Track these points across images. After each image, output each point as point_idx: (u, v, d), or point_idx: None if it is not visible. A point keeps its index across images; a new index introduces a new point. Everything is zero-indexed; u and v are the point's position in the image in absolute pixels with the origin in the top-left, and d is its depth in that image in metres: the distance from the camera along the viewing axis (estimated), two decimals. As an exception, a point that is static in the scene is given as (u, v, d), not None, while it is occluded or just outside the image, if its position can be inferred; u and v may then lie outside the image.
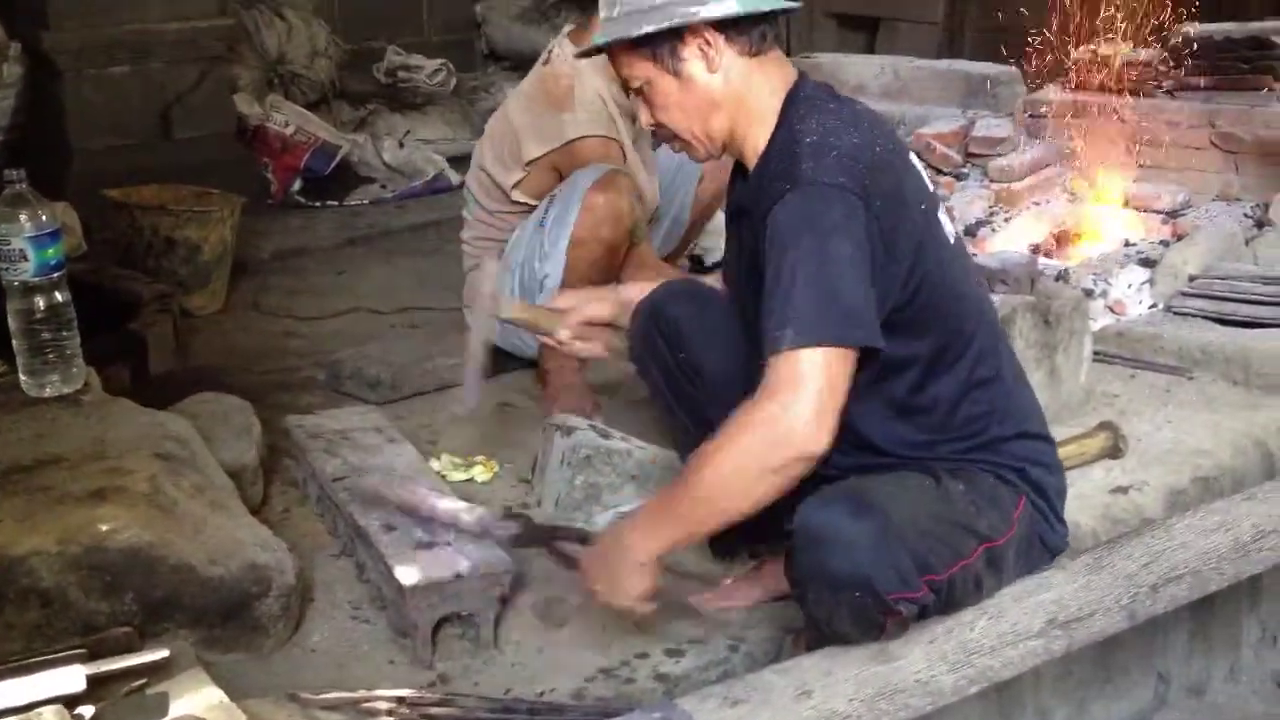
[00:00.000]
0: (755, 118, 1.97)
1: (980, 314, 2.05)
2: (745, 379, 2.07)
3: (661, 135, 2.08)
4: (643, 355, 2.29)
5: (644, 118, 2.04)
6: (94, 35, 4.83)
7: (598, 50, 2.02)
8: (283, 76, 5.62)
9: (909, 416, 2.01)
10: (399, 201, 5.28)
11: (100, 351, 2.65)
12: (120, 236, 3.91)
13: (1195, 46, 4.04)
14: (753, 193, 1.98)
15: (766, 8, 1.95)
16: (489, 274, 2.39)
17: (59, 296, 2.37)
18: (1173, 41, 4.11)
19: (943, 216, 2.02)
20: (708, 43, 1.93)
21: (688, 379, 2.24)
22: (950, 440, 2.01)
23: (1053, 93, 4.35)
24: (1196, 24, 4.17)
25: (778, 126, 1.96)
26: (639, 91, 2.01)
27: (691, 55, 1.94)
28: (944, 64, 5.10)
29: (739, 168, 2.09)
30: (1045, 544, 2.09)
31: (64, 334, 2.39)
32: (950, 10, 6.44)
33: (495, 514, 2.23)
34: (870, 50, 6.35)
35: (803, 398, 1.77)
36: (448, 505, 2.23)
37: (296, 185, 5.19)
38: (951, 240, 2.03)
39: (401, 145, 5.51)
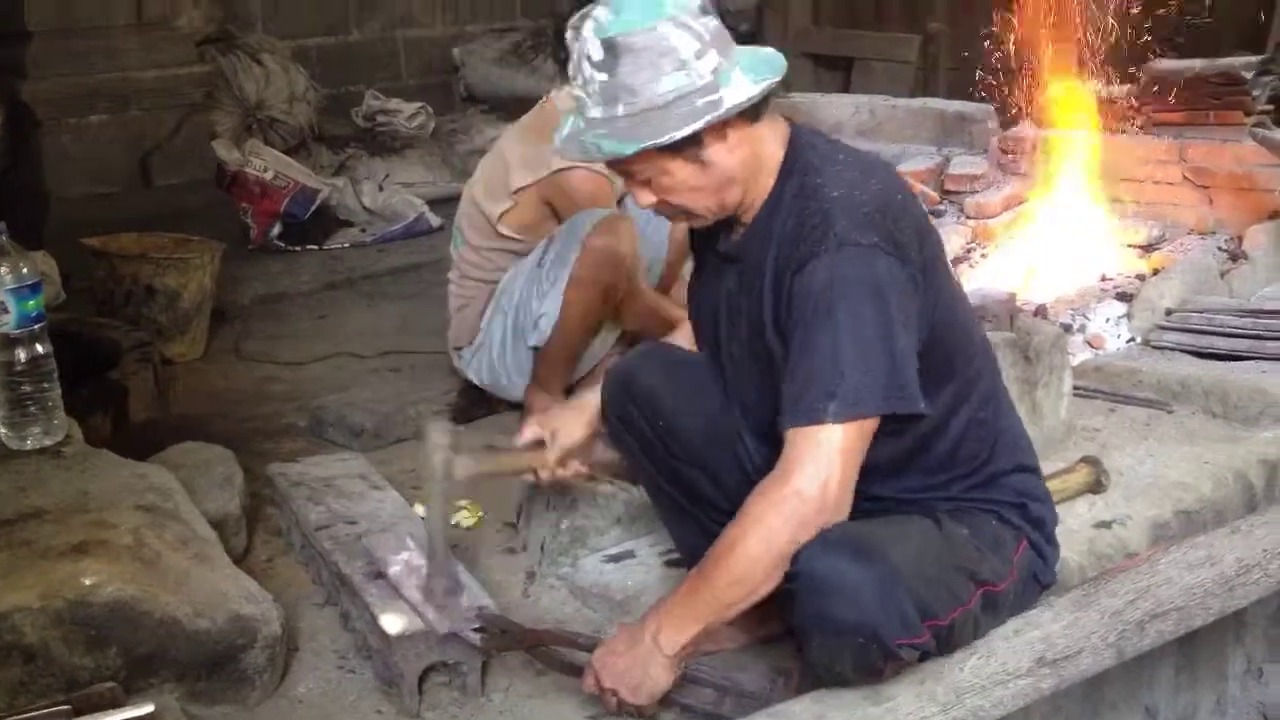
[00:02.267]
0: (760, 176, 1.93)
1: (985, 352, 2.06)
2: (727, 434, 2.07)
3: (663, 212, 1.99)
4: (617, 427, 2.20)
5: (643, 199, 1.94)
6: (72, 84, 4.85)
7: (621, 161, 1.87)
8: (261, 122, 5.64)
9: (915, 461, 1.99)
10: (379, 245, 5.29)
11: (81, 402, 2.64)
12: (99, 285, 3.91)
13: (1166, 83, 4.08)
14: (753, 242, 1.94)
15: (774, 78, 1.88)
16: (437, 443, 2.14)
17: (40, 348, 2.36)
18: (1144, 78, 4.16)
19: (947, 257, 2.03)
20: (730, 126, 1.86)
21: (665, 447, 2.17)
22: (951, 478, 2.00)
23: (1026, 129, 4.39)
24: (1167, 60, 4.23)
25: (781, 176, 1.93)
26: (644, 181, 1.91)
27: (713, 141, 1.86)
28: (919, 102, 5.15)
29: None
30: (1038, 580, 2.10)
31: (45, 385, 2.38)
32: (924, 50, 6.50)
33: (469, 610, 2.10)
34: (846, 89, 6.41)
35: (829, 474, 1.77)
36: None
37: (276, 230, 5.20)
38: (955, 279, 2.03)
39: (381, 189, 5.53)
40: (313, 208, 5.24)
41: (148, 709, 1.85)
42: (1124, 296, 3.61)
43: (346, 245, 5.27)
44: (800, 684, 1.97)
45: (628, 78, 1.82)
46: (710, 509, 2.13)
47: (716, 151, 1.87)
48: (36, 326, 2.35)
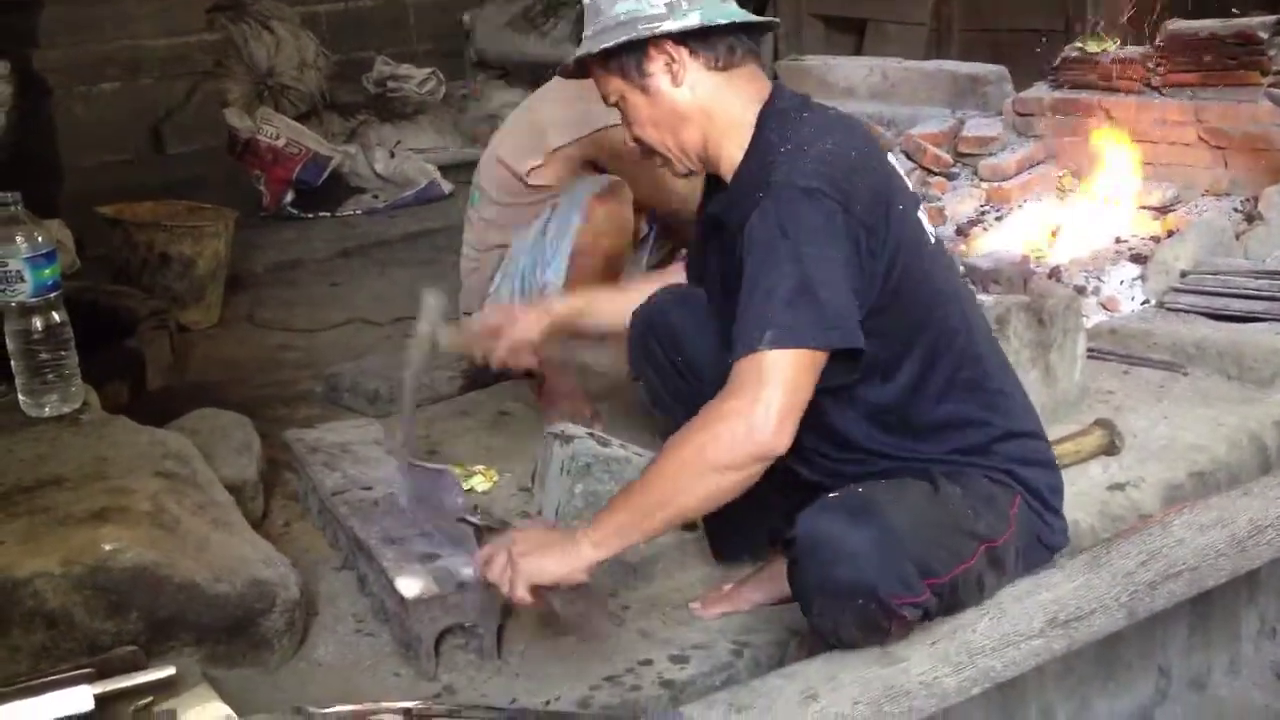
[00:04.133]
0: (728, 131, 2.00)
1: (964, 313, 2.07)
2: None
3: (641, 150, 2.10)
4: (639, 361, 2.32)
5: (626, 132, 2.08)
6: (83, 53, 4.85)
7: (570, 68, 2.06)
8: (272, 89, 5.64)
9: (894, 416, 2.02)
10: (391, 211, 5.30)
11: (98, 369, 2.65)
12: (114, 253, 3.93)
13: (1182, 43, 4.05)
14: (729, 205, 2.01)
15: (726, 20, 1.97)
16: (430, 307, 2.37)
17: (56, 316, 2.37)
18: (1159, 38, 4.13)
19: (922, 216, 2.04)
20: (672, 58, 1.96)
21: (684, 379, 2.26)
22: (938, 440, 2.03)
23: (1041, 91, 4.36)
24: (1183, 20, 4.19)
25: (753, 139, 1.98)
26: (616, 106, 2.05)
27: (657, 70, 1.97)
28: (932, 65, 5.11)
29: (712, 181, 2.11)
30: (1043, 542, 2.11)
31: (62, 353, 2.39)
32: (938, 11, 6.45)
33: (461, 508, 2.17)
34: (858, 52, 6.36)
35: (766, 397, 1.78)
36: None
37: (289, 197, 5.21)
38: (932, 240, 2.05)
39: (392, 155, 5.53)
40: (325, 174, 5.25)
41: (169, 672, 1.87)
42: (1139, 258, 3.60)
43: (359, 212, 5.28)
44: (813, 647, 1.99)
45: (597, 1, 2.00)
46: None
47: (662, 81, 1.97)
48: (53, 295, 2.36)
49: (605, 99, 2.06)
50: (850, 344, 1.84)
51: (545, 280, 3.07)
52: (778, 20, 2.16)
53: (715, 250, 2.12)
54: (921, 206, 2.06)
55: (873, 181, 1.92)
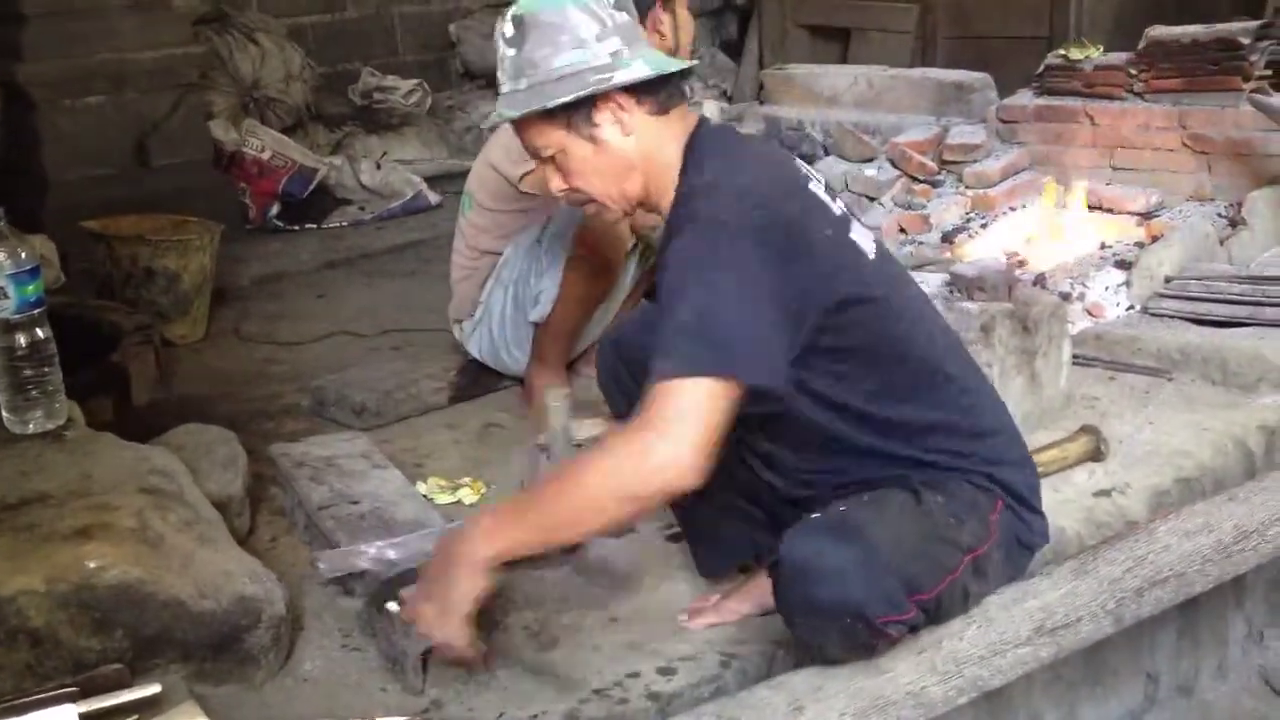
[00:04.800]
0: (664, 172, 2.00)
1: (918, 319, 2.06)
2: None
3: (573, 200, 2.08)
4: (608, 384, 2.33)
5: (554, 184, 2.04)
6: (68, 66, 4.82)
7: (511, 121, 2.01)
8: (258, 101, 5.63)
9: (863, 428, 2.00)
10: (378, 223, 5.29)
11: (83, 385, 2.64)
12: (99, 267, 3.91)
13: (1164, 48, 4.07)
14: (663, 240, 2.02)
15: (673, 68, 1.98)
16: (555, 407, 2.49)
17: (40, 333, 2.36)
18: (1141, 45, 4.14)
19: (857, 235, 2.02)
20: (621, 107, 1.95)
21: None
22: (910, 449, 2.02)
23: (1025, 98, 4.38)
24: (1165, 26, 4.21)
25: (680, 175, 1.99)
26: (550, 159, 2.01)
27: (605, 120, 1.96)
28: (917, 72, 5.13)
29: None
30: (1023, 543, 2.11)
31: (46, 370, 2.38)
32: (922, 19, 6.47)
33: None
34: (843, 60, 6.39)
35: (678, 433, 1.75)
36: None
37: (274, 210, 5.20)
38: (872, 255, 2.03)
39: (379, 166, 5.52)
40: (311, 187, 5.24)
41: (154, 689, 1.86)
42: (1123, 264, 3.61)
43: (345, 224, 5.28)
44: (799, 660, 1.99)
45: (531, 52, 1.94)
46: None
47: (611, 133, 1.96)
48: (36, 311, 2.35)
49: (536, 153, 2.03)
50: (753, 380, 1.80)
51: (539, 289, 3.07)
52: (695, 63, 2.19)
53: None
54: (854, 226, 2.04)
55: (789, 211, 1.91)
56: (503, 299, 3.19)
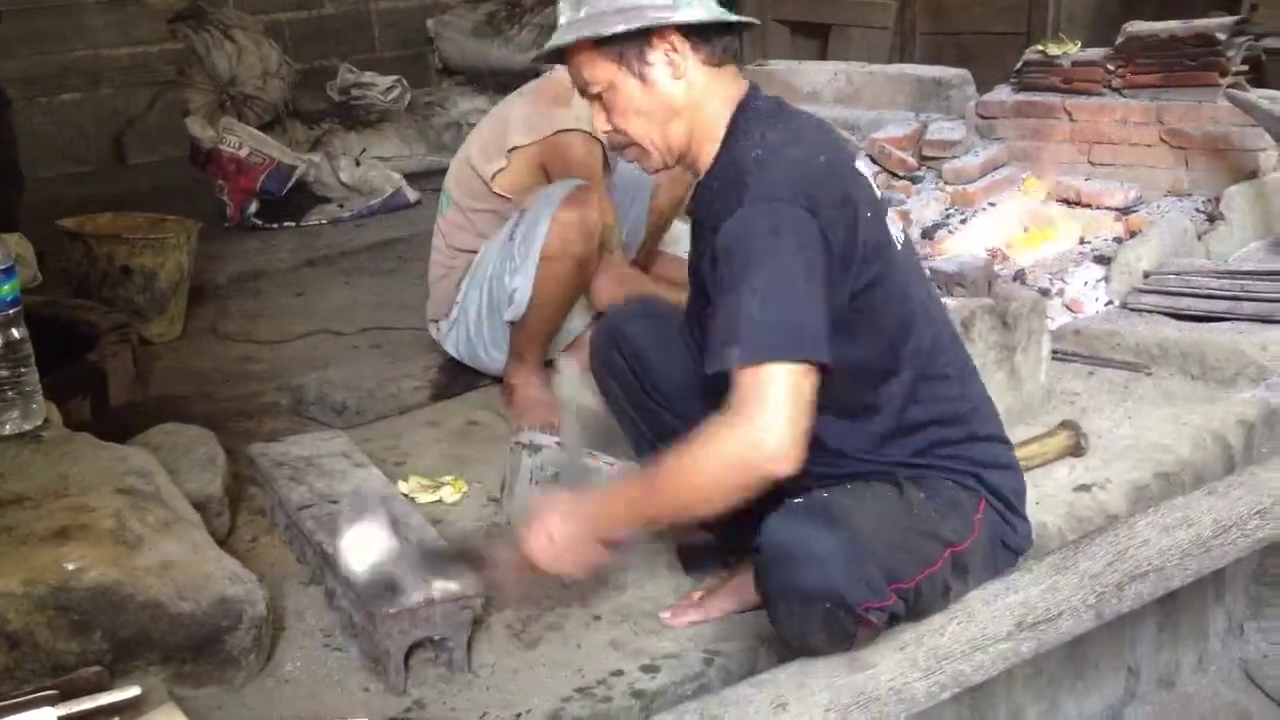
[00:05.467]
0: (708, 128, 2.00)
1: (928, 316, 2.07)
2: (701, 391, 2.08)
3: (616, 142, 2.07)
4: (601, 371, 2.33)
5: (599, 123, 2.04)
6: (44, 63, 4.81)
7: (557, 53, 2.00)
8: (235, 98, 5.59)
9: (858, 417, 2.02)
10: (357, 220, 5.26)
11: (60, 385, 2.62)
12: (75, 266, 3.88)
13: (1142, 44, 4.08)
14: (702, 204, 2.02)
15: (731, 19, 1.98)
16: (567, 376, 2.59)
17: (16, 333, 2.35)
18: (1119, 40, 4.16)
19: (889, 221, 2.05)
20: (674, 48, 1.94)
21: (647, 393, 2.28)
22: (902, 442, 2.03)
23: (1003, 94, 4.39)
24: (1142, 22, 4.22)
25: (725, 139, 1.98)
26: (597, 96, 2.01)
27: (658, 59, 1.95)
28: (895, 69, 5.14)
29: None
30: (1008, 545, 2.12)
31: (22, 370, 2.36)
32: (901, 15, 6.49)
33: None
34: (823, 56, 6.39)
35: (777, 418, 1.78)
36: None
37: (253, 207, 5.17)
38: (899, 244, 2.05)
39: (358, 163, 5.49)
40: (289, 184, 5.21)
41: (134, 692, 1.85)
42: (1102, 259, 3.62)
43: (324, 221, 5.25)
44: (781, 655, 1.99)
45: None
46: None
47: (661, 73, 1.95)
48: (11, 311, 2.33)
49: (585, 88, 2.02)
50: (820, 357, 1.83)
51: (514, 286, 3.06)
52: (757, 21, 2.18)
53: (695, 246, 2.12)
54: (890, 213, 2.07)
55: (840, 188, 1.92)
56: (478, 298, 3.18)
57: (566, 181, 3.05)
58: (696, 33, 1.95)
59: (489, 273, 3.15)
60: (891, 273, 1.98)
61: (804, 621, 1.86)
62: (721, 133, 1.99)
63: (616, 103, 1.99)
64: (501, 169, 3.16)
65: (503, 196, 3.16)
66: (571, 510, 1.98)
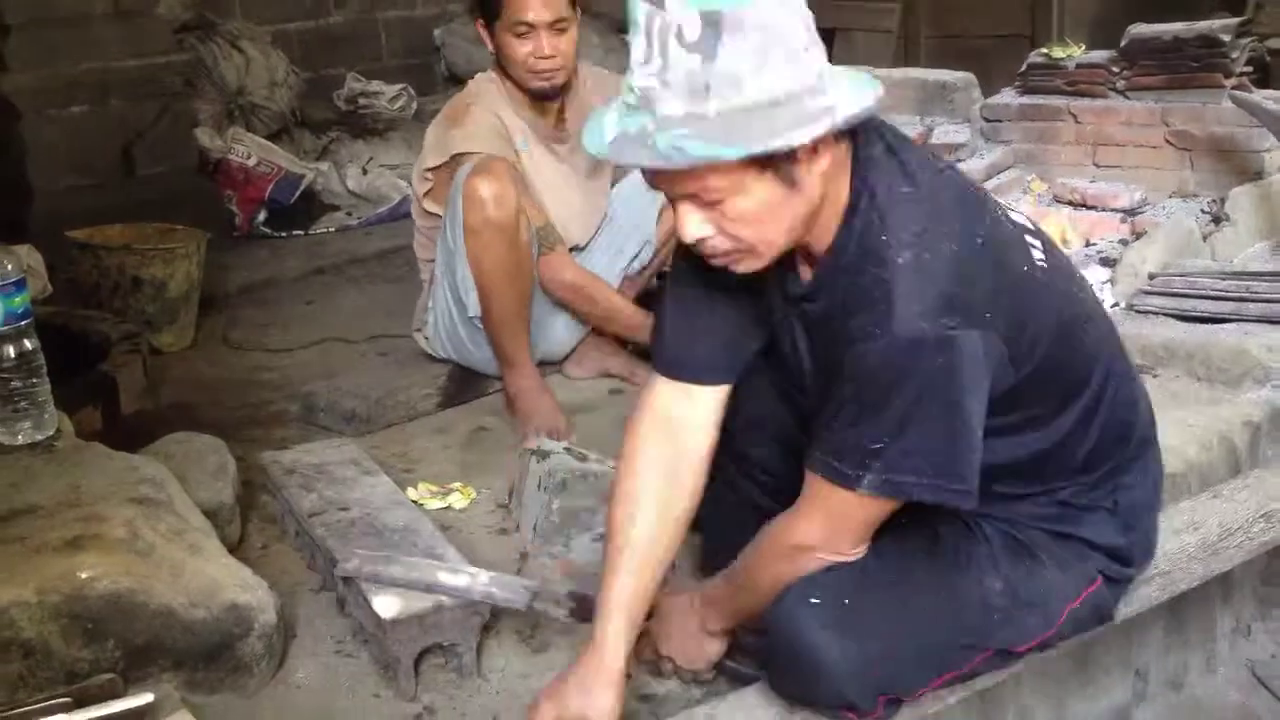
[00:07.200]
0: (831, 208, 1.64)
1: (1092, 321, 1.84)
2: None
3: (718, 249, 1.64)
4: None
5: (695, 230, 1.60)
6: (53, 76, 4.84)
7: (683, 174, 1.53)
8: (243, 108, 5.61)
9: (1048, 466, 1.83)
10: (365, 228, 5.28)
11: (71, 395, 2.64)
12: (85, 277, 3.90)
13: (1146, 46, 4.09)
14: (817, 288, 1.71)
15: (879, 90, 1.60)
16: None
17: (28, 344, 2.37)
18: (1123, 42, 4.17)
19: (1032, 247, 1.76)
20: (825, 141, 1.56)
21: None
22: (1046, 488, 1.85)
23: (1008, 97, 4.40)
24: (1146, 24, 4.23)
25: (850, 208, 1.64)
26: (705, 202, 1.57)
27: (808, 158, 1.56)
28: (900, 72, 5.14)
29: None
30: (1098, 615, 1.95)
31: (34, 381, 2.38)
32: (905, 19, 6.50)
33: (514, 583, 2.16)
34: (828, 61, 6.40)
35: (847, 535, 1.73)
36: (453, 580, 2.14)
37: (261, 216, 5.19)
38: (1044, 263, 1.74)
39: (365, 172, 5.51)
40: (297, 193, 5.23)
41: (147, 699, 1.86)
42: (1107, 261, 3.63)
43: (332, 230, 5.27)
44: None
45: (731, 64, 1.47)
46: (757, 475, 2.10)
47: (809, 171, 1.57)
48: (24, 323, 2.35)
49: (689, 195, 1.57)
50: (957, 503, 1.65)
51: (461, 274, 3.08)
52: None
53: (793, 324, 1.80)
54: (1026, 237, 1.77)
55: (1003, 267, 1.64)
56: (445, 298, 3.22)
57: (474, 155, 3.07)
58: None
59: (442, 270, 3.19)
60: (1044, 305, 1.72)
61: (806, 705, 1.83)
62: (844, 205, 1.63)
63: (739, 209, 1.56)
64: (429, 189, 3.23)
65: (436, 214, 3.21)
66: (687, 615, 1.99)
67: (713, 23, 1.47)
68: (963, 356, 1.56)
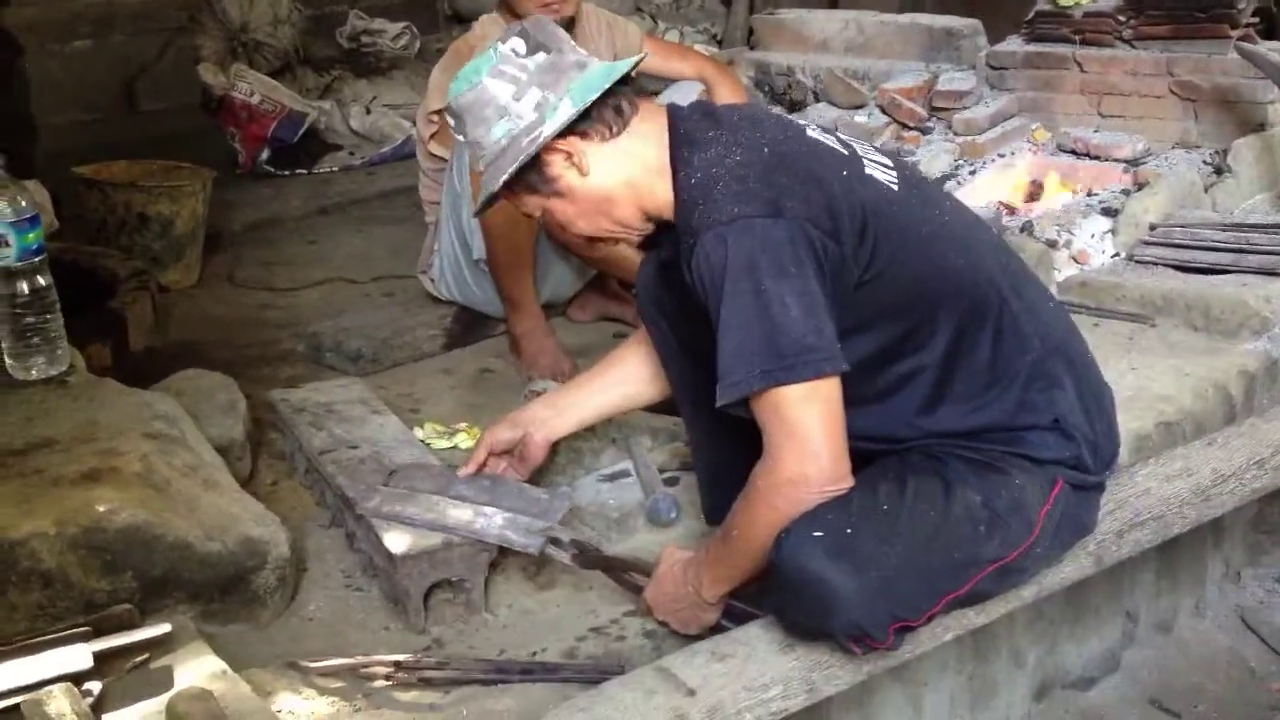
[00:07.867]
0: (654, 182, 1.93)
1: (980, 259, 1.96)
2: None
3: (588, 242, 2.13)
4: (648, 310, 2.23)
5: (560, 236, 2.09)
6: (55, 9, 4.81)
7: (489, 204, 2.00)
8: (246, 45, 5.58)
9: (888, 397, 1.94)
10: (368, 168, 5.28)
11: (82, 331, 2.67)
12: (91, 213, 3.91)
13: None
14: (673, 246, 1.96)
15: (598, 94, 1.90)
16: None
17: (41, 280, 2.39)
18: (1131, -9, 4.15)
19: (873, 171, 1.94)
20: (569, 152, 1.92)
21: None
22: (963, 413, 1.93)
23: (1014, 45, 4.39)
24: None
25: (674, 177, 1.92)
26: (543, 218, 2.03)
27: (560, 170, 1.93)
28: (906, 18, 5.12)
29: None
30: (1079, 523, 2.03)
31: (48, 317, 2.41)
32: (912, -37, 6.45)
33: (532, 524, 2.18)
34: (834, 5, 6.36)
35: (815, 448, 1.78)
36: (466, 517, 2.18)
37: (264, 155, 5.19)
38: (897, 187, 1.94)
39: (368, 111, 5.50)
40: (300, 131, 5.22)
41: (164, 629, 1.92)
42: (1109, 211, 3.64)
43: (335, 169, 5.27)
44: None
45: (472, 136, 1.96)
46: None
47: (572, 178, 1.94)
48: (37, 259, 2.38)
49: (530, 216, 2.04)
50: (831, 369, 1.77)
51: (468, 216, 3.10)
52: (643, 55, 2.10)
53: (667, 286, 2.10)
54: (866, 161, 1.95)
55: (800, 169, 1.85)
56: (450, 240, 3.24)
57: None
58: (579, 122, 1.90)
59: (448, 212, 3.21)
60: (899, 222, 1.89)
61: (815, 638, 1.87)
62: (668, 172, 1.92)
63: (557, 219, 1.99)
64: (434, 132, 3.26)
65: (441, 157, 3.23)
66: (680, 581, 2.02)
67: (453, 114, 1.99)
68: (766, 238, 1.77)
